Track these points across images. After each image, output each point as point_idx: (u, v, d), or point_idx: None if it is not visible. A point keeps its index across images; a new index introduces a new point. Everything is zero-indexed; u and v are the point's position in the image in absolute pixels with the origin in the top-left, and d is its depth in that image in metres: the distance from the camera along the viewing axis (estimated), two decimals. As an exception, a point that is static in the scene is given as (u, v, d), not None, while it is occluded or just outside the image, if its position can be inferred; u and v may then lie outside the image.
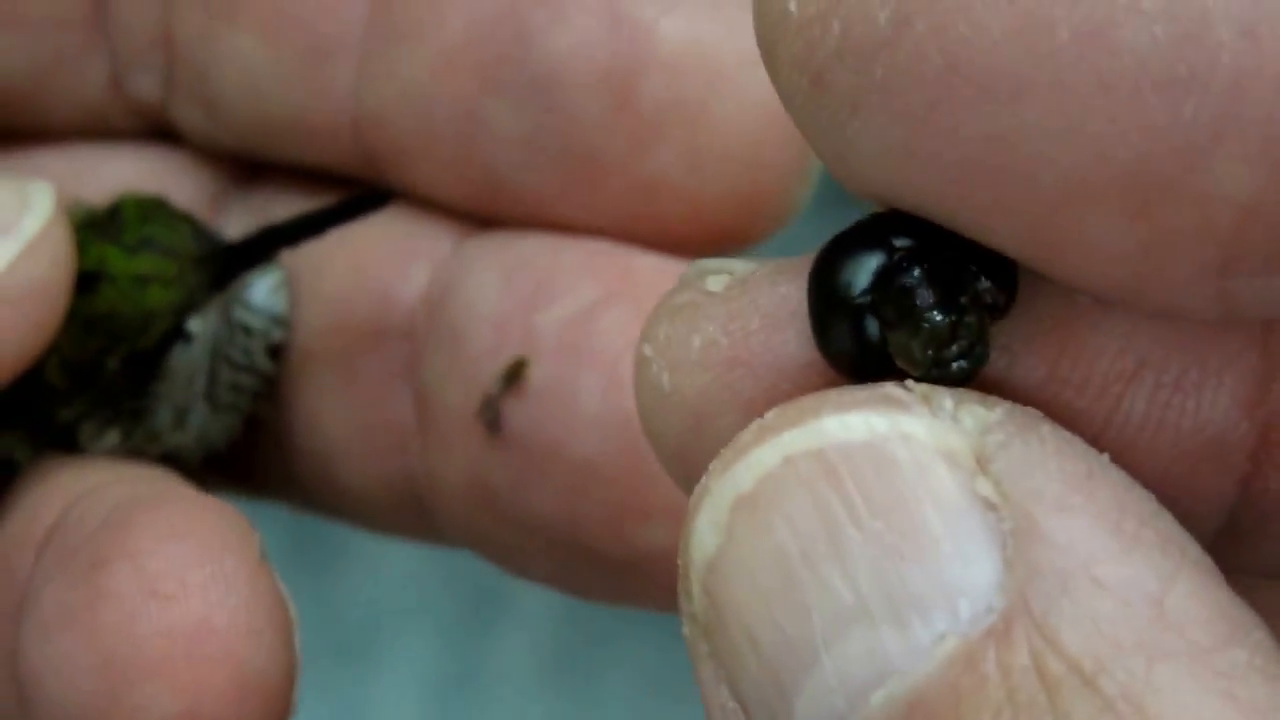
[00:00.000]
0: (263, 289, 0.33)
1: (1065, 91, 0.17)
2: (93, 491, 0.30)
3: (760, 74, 0.29)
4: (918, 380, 0.19)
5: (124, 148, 0.35)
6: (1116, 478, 0.19)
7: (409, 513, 0.32)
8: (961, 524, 0.18)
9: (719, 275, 0.21)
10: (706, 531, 0.19)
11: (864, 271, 0.19)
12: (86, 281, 0.31)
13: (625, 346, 0.29)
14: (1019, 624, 0.18)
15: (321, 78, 0.32)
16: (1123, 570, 0.18)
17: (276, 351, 0.33)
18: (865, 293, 0.19)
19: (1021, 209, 0.18)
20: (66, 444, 0.33)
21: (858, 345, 0.20)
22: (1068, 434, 0.19)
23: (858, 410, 0.19)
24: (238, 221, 0.35)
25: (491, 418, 0.30)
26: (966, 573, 0.18)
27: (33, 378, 0.32)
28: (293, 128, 0.33)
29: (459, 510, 0.31)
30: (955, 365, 0.19)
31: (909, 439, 0.19)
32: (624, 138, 0.29)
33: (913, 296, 0.19)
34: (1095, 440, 0.20)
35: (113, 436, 0.33)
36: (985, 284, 0.19)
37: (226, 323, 0.33)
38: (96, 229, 0.32)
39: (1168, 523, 0.18)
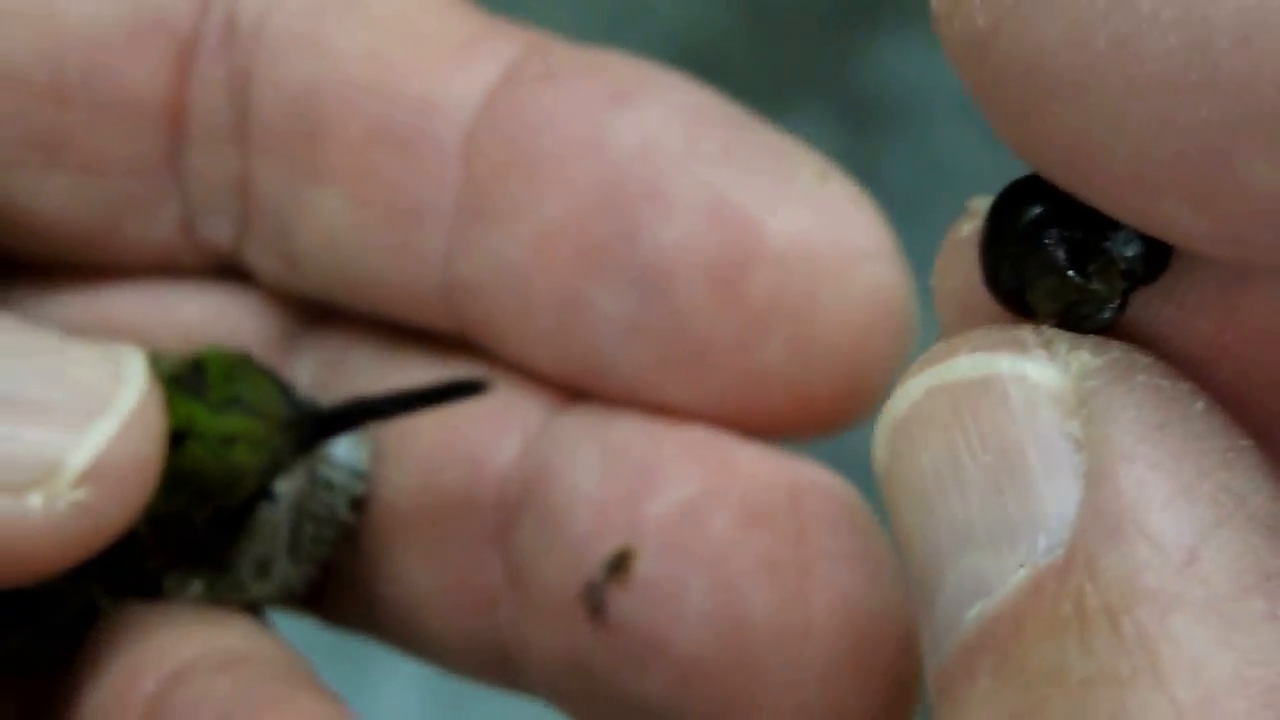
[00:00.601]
0: (345, 444, 0.33)
1: (1109, 93, 0.19)
2: (197, 675, 0.30)
3: (865, 268, 0.30)
4: (1055, 325, 0.21)
5: (194, 286, 0.35)
6: (1194, 429, 0.20)
7: (496, 667, 0.33)
8: (1053, 462, 0.20)
9: (973, 219, 0.24)
10: (879, 449, 0.22)
11: (1019, 223, 0.22)
12: (174, 439, 0.31)
13: (730, 545, 0.29)
14: (1076, 561, 0.20)
15: (410, 242, 0.32)
16: (1164, 519, 0.19)
17: (358, 503, 0.33)
18: (1014, 243, 0.22)
19: (1112, 193, 0.20)
20: (150, 590, 0.33)
21: (1011, 288, 0.22)
22: (1166, 383, 0.21)
23: (986, 351, 0.21)
24: (310, 362, 0.35)
25: (595, 604, 0.30)
26: (1049, 508, 0.20)
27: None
28: (378, 287, 0.33)
29: (553, 679, 0.31)
30: (1084, 320, 0.21)
31: (1022, 380, 0.21)
32: (731, 329, 0.29)
33: (1047, 254, 0.21)
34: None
35: (197, 587, 0.33)
36: (1125, 250, 0.21)
37: (310, 479, 0.33)
38: (181, 385, 0.32)
39: (1238, 474, 0.20)
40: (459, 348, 0.33)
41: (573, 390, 0.32)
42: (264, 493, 0.32)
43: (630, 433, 0.31)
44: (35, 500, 0.28)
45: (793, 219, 0.29)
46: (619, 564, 0.30)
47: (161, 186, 0.34)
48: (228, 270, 0.35)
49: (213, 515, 0.32)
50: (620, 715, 0.31)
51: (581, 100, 0.30)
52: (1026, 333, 0.21)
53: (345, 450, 0.33)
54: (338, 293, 0.34)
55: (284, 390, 0.32)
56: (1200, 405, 0.20)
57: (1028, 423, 0.20)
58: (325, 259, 0.33)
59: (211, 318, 0.35)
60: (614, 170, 0.30)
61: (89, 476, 0.29)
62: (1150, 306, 0.22)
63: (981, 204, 0.24)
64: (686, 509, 0.29)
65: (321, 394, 0.34)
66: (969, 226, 0.24)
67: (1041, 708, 0.19)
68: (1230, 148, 0.18)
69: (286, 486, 0.32)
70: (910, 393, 0.22)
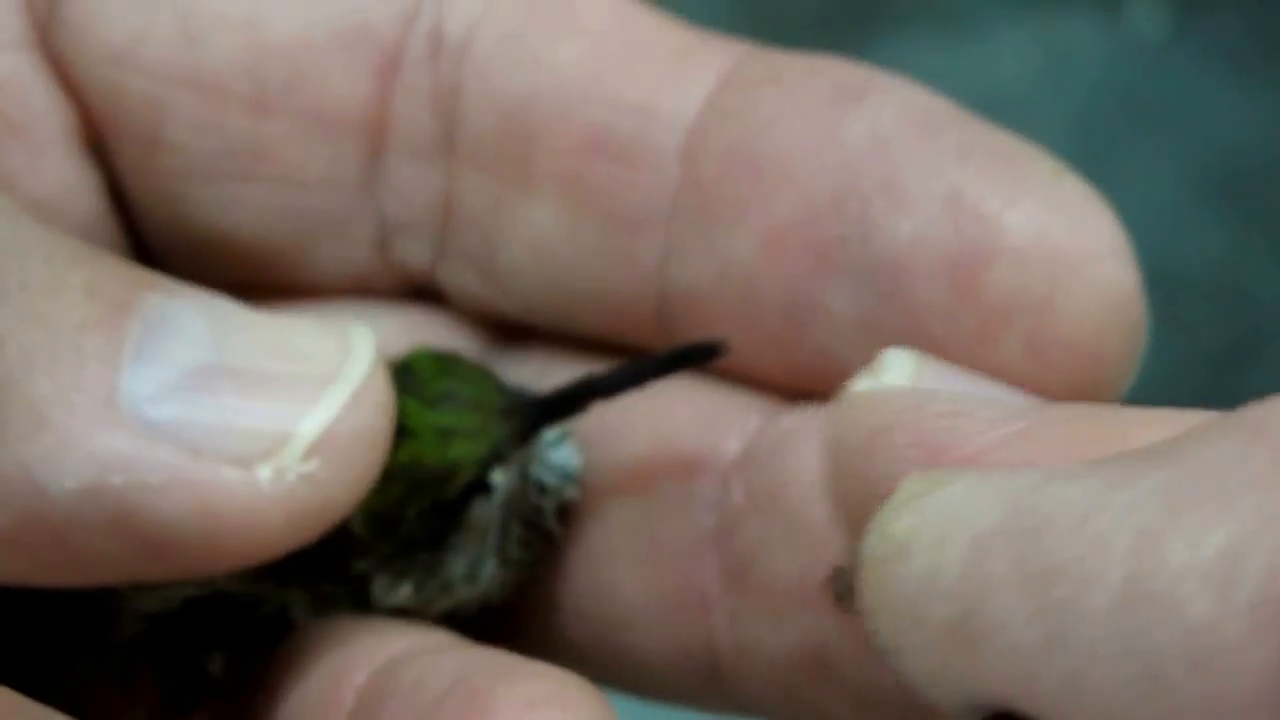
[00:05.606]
0: (560, 449, 0.33)
1: None
2: (414, 658, 0.29)
3: (1103, 266, 0.30)
4: None
5: (385, 307, 0.35)
6: None
7: (699, 680, 0.32)
8: None
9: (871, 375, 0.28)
10: None
11: None
12: None
13: None
14: None
15: (625, 251, 0.32)
16: None
17: (564, 512, 0.33)
18: None
19: None
20: (356, 597, 0.32)
21: None
22: None
23: None
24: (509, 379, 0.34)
25: (842, 590, 0.29)
26: None
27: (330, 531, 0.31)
28: (586, 301, 0.32)
29: (779, 681, 0.31)
30: None
31: None
32: (968, 326, 0.29)
33: None
34: None
35: (406, 589, 0.32)
36: None
37: (522, 478, 0.32)
38: (395, 382, 0.31)
39: None
40: None
41: (796, 394, 0.31)
42: (481, 485, 0.32)
43: None
44: (265, 473, 0.28)
45: (1031, 214, 0.29)
46: (871, 547, 0.29)
47: (358, 203, 0.33)
48: (419, 292, 0.35)
49: (428, 509, 0.31)
50: (863, 715, 0.30)
51: (809, 100, 0.30)
52: None
53: (560, 454, 0.33)
54: (541, 310, 0.33)
55: (499, 383, 0.32)
56: None
57: None
58: (531, 274, 0.33)
59: (402, 340, 0.34)
60: (846, 167, 0.30)
61: (318, 448, 0.28)
62: None
63: (889, 359, 0.26)
64: None
65: None
66: (866, 382, 0.26)
67: None
68: None
69: (503, 479, 0.32)
70: None
